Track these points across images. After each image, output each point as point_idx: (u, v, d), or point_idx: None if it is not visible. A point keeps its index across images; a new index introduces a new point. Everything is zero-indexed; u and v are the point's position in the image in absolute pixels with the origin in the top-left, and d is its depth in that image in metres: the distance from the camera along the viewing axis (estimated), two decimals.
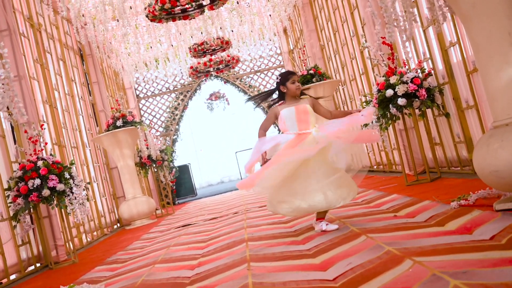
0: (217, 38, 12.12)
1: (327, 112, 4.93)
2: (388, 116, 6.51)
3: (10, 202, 6.57)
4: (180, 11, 8.02)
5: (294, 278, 3.08)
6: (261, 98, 5.13)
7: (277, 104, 4.87)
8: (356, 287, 2.59)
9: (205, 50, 12.06)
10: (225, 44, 12.42)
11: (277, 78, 4.86)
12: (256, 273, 3.41)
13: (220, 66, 13.40)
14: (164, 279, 4.09)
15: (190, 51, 12.33)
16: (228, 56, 13.17)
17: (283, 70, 17.65)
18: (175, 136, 17.39)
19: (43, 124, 7.36)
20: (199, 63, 13.08)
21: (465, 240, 2.99)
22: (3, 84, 3.64)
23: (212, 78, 17.14)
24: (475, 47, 3.65)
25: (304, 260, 3.54)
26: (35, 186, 6.47)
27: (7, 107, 5.65)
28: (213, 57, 12.91)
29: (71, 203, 6.87)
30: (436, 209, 4.24)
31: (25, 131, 7.02)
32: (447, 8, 4.34)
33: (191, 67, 13.40)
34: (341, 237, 4.06)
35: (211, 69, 13.34)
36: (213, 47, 12.20)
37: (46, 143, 7.12)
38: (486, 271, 2.31)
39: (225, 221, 7.41)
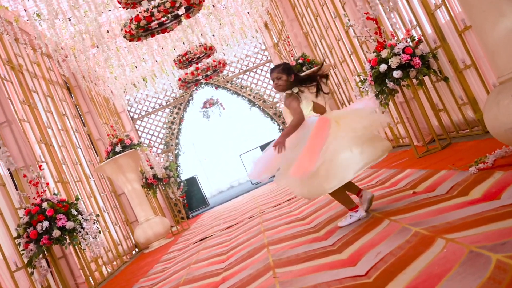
0: (200, 46, 11.97)
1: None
2: (386, 91, 6.37)
3: (22, 250, 6.46)
4: (157, 25, 7.89)
5: (324, 279, 2.92)
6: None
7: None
8: (391, 279, 2.43)
9: (190, 59, 11.92)
10: (209, 50, 12.26)
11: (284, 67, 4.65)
12: (283, 280, 3.26)
13: (208, 72, 13.25)
14: None
15: (176, 64, 12.19)
16: (214, 61, 13.03)
17: (272, 65, 17.57)
18: (177, 151, 17.30)
19: (41, 165, 7.21)
20: (186, 73, 12.95)
21: (494, 207, 2.82)
22: None
23: (202, 86, 17.06)
24: (466, 5, 3.49)
25: (331, 257, 3.38)
26: (44, 229, 6.37)
27: None
28: (199, 65, 12.77)
29: (84, 239, 6.78)
30: (455, 177, 4.05)
31: (24, 175, 6.91)
32: None
33: (179, 79, 13.26)
34: (363, 225, 3.91)
35: (200, 77, 13.19)
36: (197, 55, 12.06)
37: (47, 183, 6.99)
38: None
39: (242, 228, 7.28)
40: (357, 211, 4.24)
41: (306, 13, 11.68)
